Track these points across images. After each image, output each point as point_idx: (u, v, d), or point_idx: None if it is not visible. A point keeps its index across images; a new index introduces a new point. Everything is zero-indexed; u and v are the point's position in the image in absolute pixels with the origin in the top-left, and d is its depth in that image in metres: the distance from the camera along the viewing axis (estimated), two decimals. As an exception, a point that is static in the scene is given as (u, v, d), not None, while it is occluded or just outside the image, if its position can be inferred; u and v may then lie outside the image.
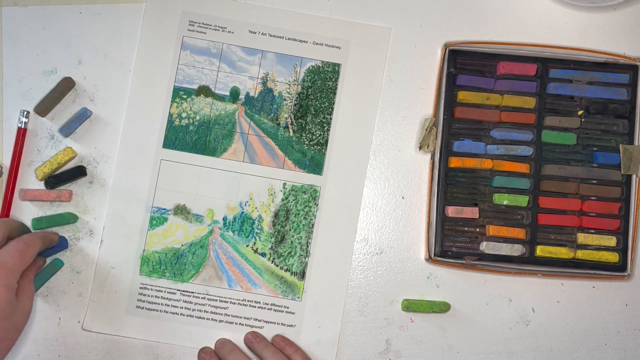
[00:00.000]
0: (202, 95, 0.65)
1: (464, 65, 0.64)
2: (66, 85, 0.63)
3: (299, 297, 0.64)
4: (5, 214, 0.62)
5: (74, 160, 0.63)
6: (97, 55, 0.64)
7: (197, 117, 0.65)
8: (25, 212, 0.63)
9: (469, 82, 0.64)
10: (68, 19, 0.64)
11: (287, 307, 0.64)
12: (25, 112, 0.63)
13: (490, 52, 0.64)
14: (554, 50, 0.65)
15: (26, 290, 0.57)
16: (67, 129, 0.63)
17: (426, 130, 0.64)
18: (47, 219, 0.62)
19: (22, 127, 0.62)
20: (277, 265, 0.64)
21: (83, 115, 0.63)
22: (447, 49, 0.64)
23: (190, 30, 0.65)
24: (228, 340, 0.63)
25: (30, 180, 0.63)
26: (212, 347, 0.63)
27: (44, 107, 0.62)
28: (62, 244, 0.62)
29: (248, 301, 0.64)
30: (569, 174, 0.64)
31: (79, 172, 0.62)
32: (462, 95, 0.64)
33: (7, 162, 0.63)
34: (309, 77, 0.65)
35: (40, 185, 0.63)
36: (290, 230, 0.64)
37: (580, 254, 0.63)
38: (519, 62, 0.64)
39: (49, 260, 0.62)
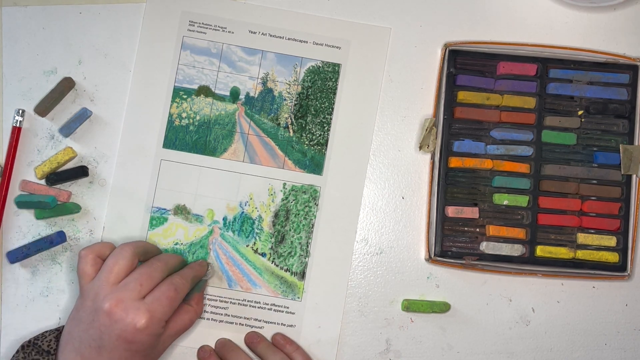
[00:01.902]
0: (202, 95, 0.65)
1: (464, 65, 0.64)
2: (66, 85, 0.63)
3: (299, 297, 0.64)
4: (0, 210, 0.62)
5: (75, 160, 0.63)
6: (97, 55, 0.64)
7: (197, 117, 0.65)
8: (25, 210, 0.63)
9: (469, 82, 0.64)
10: (68, 19, 0.64)
11: (287, 307, 0.64)
12: (20, 111, 0.62)
13: (490, 52, 0.64)
14: (554, 50, 0.65)
15: (174, 329, 0.57)
16: (67, 129, 0.63)
17: (426, 130, 0.64)
18: (50, 210, 0.61)
19: (17, 125, 0.62)
20: (277, 266, 0.64)
21: (83, 115, 0.63)
22: (447, 49, 0.64)
23: (190, 30, 0.65)
24: (228, 339, 0.63)
25: (29, 179, 0.63)
26: (212, 346, 0.63)
27: (44, 107, 0.62)
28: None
29: (248, 301, 0.64)
30: (569, 174, 0.64)
31: (80, 172, 0.62)
32: (462, 95, 0.64)
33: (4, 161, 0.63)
34: (309, 77, 0.65)
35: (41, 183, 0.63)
36: (290, 230, 0.64)
37: (580, 254, 0.63)
38: (519, 62, 0.64)
39: None
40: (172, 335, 0.57)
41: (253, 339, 0.63)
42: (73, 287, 0.63)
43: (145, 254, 0.58)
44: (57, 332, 0.58)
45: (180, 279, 0.57)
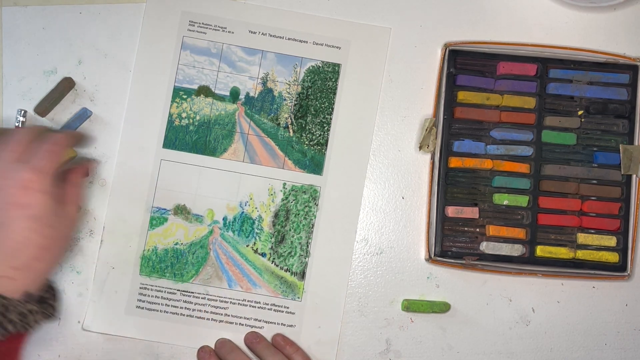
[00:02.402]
0: (202, 95, 0.65)
1: (464, 65, 0.64)
2: (66, 85, 0.63)
3: (299, 297, 0.64)
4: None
5: (75, 160, 0.63)
6: (97, 55, 0.64)
7: (197, 117, 0.65)
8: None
9: (469, 82, 0.64)
10: (68, 19, 0.64)
11: (287, 307, 0.64)
12: (22, 111, 0.62)
13: (490, 52, 0.64)
14: (554, 50, 0.65)
15: (70, 195, 0.54)
16: (67, 129, 0.63)
17: (426, 130, 0.64)
18: None
19: (20, 126, 0.62)
20: (277, 266, 0.64)
21: (83, 115, 0.63)
22: (447, 49, 0.64)
23: (190, 31, 0.65)
24: (228, 340, 0.63)
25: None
26: (212, 346, 0.63)
27: (44, 108, 0.62)
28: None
29: (248, 301, 0.64)
30: (569, 174, 0.64)
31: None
32: (462, 95, 0.64)
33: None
34: (309, 77, 0.65)
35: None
36: (290, 230, 0.64)
37: (580, 254, 0.63)
38: (519, 62, 0.64)
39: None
40: (72, 206, 0.54)
41: (252, 339, 0.63)
42: (73, 287, 0.63)
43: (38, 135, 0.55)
44: None
45: (57, 134, 0.54)
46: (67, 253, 0.62)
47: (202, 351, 0.63)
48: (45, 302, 0.55)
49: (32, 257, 0.51)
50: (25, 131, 0.54)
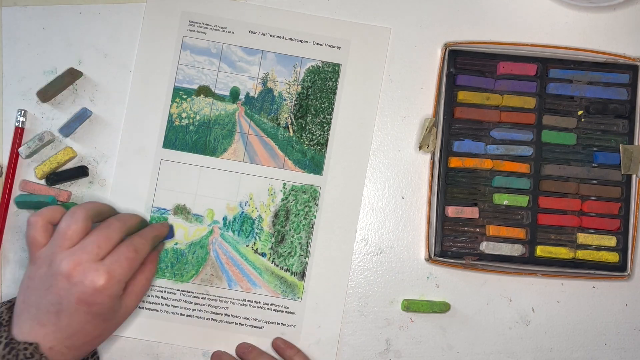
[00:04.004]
0: (202, 95, 0.65)
1: (464, 65, 0.64)
2: (72, 74, 0.62)
3: (299, 297, 0.64)
4: (3, 212, 0.62)
5: (75, 160, 0.63)
6: (97, 55, 0.64)
7: (197, 117, 0.65)
8: (25, 210, 0.63)
9: (469, 82, 0.64)
10: (68, 19, 0.64)
11: (287, 307, 0.64)
12: (22, 111, 0.63)
13: (490, 52, 0.64)
14: (554, 50, 0.65)
15: (133, 291, 0.55)
16: (67, 129, 0.63)
17: (426, 130, 0.64)
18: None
19: (20, 126, 0.62)
20: (277, 266, 0.64)
21: (83, 115, 0.63)
22: (447, 49, 0.64)
23: (190, 31, 0.65)
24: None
25: (29, 179, 0.63)
26: (213, 350, 0.63)
27: (48, 94, 0.62)
28: (170, 234, 0.60)
29: (248, 301, 0.64)
30: (569, 174, 0.64)
31: (80, 172, 0.62)
32: (462, 95, 0.64)
33: (7, 162, 0.63)
34: (309, 77, 0.65)
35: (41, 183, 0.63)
36: (290, 230, 0.64)
37: (580, 254, 0.63)
38: (519, 62, 0.64)
39: None
40: (133, 299, 0.55)
41: (244, 349, 0.63)
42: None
43: (99, 215, 0.55)
44: (10, 303, 0.55)
45: (140, 239, 0.55)
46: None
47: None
48: None
49: (84, 343, 0.54)
50: (116, 227, 0.54)
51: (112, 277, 0.52)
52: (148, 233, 0.57)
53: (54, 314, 0.52)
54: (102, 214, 0.56)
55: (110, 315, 0.54)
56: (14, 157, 0.62)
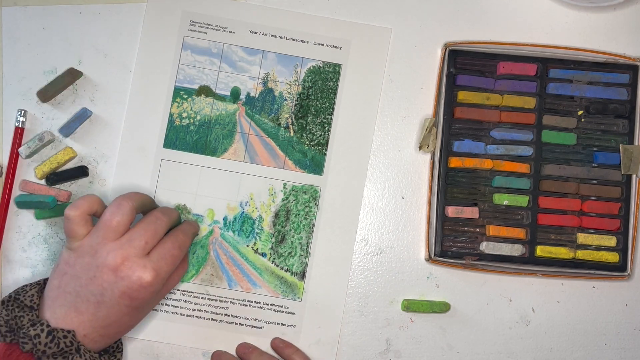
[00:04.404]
0: (202, 95, 0.65)
1: (464, 65, 0.64)
2: (72, 74, 0.62)
3: (299, 298, 0.64)
4: (3, 212, 0.62)
5: (75, 160, 0.63)
6: (97, 55, 0.64)
7: (198, 117, 0.65)
8: (25, 210, 0.63)
9: (469, 82, 0.64)
10: (68, 19, 0.64)
11: (287, 308, 0.64)
12: (22, 112, 0.62)
13: (490, 52, 0.64)
14: (554, 50, 0.65)
15: (167, 286, 0.57)
16: (67, 129, 0.63)
17: (426, 130, 0.64)
18: (50, 210, 0.61)
19: (20, 126, 0.62)
20: (277, 266, 0.64)
21: (83, 115, 0.63)
22: (447, 49, 0.64)
23: (191, 30, 0.65)
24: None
25: (29, 179, 0.63)
26: (213, 350, 0.63)
27: (48, 94, 0.62)
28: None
29: (248, 301, 0.64)
30: (569, 174, 0.64)
31: (80, 172, 0.62)
32: (462, 95, 0.64)
33: (7, 162, 0.63)
34: (310, 78, 0.65)
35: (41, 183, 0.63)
36: (290, 230, 0.64)
37: (580, 254, 0.63)
38: (519, 62, 0.64)
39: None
40: (163, 293, 0.57)
41: (244, 349, 0.63)
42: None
43: (142, 206, 0.56)
44: (39, 286, 0.55)
45: (184, 237, 0.56)
46: None
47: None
48: (112, 355, 0.57)
49: (117, 332, 0.55)
50: (163, 222, 0.55)
51: (158, 274, 0.53)
52: (188, 229, 0.58)
53: (94, 304, 0.52)
54: (145, 206, 0.57)
55: (147, 309, 0.56)
56: (14, 157, 0.62)
